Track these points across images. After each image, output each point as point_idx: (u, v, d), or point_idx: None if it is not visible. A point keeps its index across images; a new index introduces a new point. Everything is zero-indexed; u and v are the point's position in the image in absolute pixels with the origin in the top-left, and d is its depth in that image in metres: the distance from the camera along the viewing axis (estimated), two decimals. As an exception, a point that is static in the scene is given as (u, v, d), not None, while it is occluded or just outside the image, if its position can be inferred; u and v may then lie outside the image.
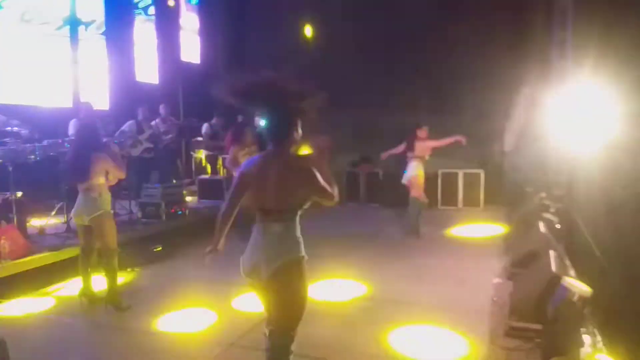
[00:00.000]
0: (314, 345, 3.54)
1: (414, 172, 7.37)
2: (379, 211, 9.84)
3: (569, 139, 7.52)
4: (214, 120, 9.64)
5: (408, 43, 10.53)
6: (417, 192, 7.42)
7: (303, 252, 2.59)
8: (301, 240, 2.61)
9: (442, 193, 10.02)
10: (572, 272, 4.87)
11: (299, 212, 2.60)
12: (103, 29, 9.66)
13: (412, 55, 10.50)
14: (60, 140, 6.18)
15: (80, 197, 4.45)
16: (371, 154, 10.89)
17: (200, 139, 9.84)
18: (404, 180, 7.45)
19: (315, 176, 2.53)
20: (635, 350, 3.52)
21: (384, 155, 7.71)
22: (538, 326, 3.51)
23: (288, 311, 2.56)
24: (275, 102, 2.55)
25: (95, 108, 7.29)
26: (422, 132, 7.41)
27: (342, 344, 3.80)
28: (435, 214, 9.19)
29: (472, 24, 9.84)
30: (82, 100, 8.17)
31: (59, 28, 8.82)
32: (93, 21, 9.56)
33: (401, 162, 7.68)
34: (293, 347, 2.59)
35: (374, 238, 7.62)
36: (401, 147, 7.52)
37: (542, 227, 5.80)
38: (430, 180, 7.96)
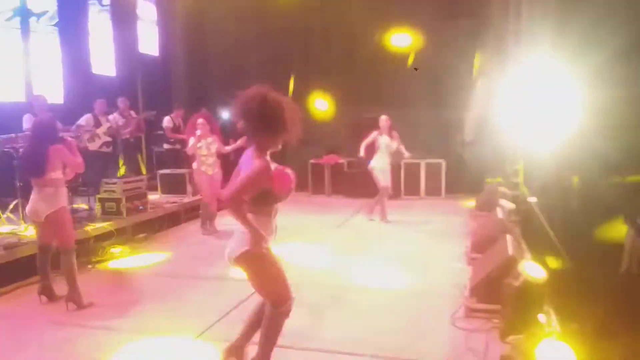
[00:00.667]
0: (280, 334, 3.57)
1: (384, 164, 7.54)
2: (345, 202, 9.95)
3: (525, 128, 7.79)
4: (174, 113, 9.48)
5: (367, 35, 10.61)
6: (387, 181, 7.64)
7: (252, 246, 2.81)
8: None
9: (405, 183, 10.20)
10: (528, 254, 5.07)
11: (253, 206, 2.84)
12: (56, 20, 9.33)
13: (372, 48, 10.59)
14: (14, 135, 5.96)
15: (35, 193, 4.31)
16: (335, 146, 10.98)
17: (161, 132, 9.67)
18: (373, 169, 7.62)
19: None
20: (588, 328, 3.71)
21: (362, 151, 7.75)
22: (496, 307, 3.64)
23: (261, 291, 2.98)
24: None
25: (49, 101, 7.09)
26: (385, 122, 7.54)
27: (308, 331, 3.84)
28: (399, 203, 9.35)
29: (431, 16, 10.00)
30: (36, 93, 7.90)
31: (9, 19, 8.46)
32: (45, 12, 9.20)
33: (367, 153, 7.82)
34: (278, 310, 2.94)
35: (339, 228, 7.70)
36: (370, 137, 7.66)
37: (499, 213, 6.00)
38: (393, 170, 8.11)
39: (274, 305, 2.93)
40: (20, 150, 5.67)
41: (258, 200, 2.81)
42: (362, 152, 7.71)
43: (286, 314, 2.97)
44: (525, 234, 6.26)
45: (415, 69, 10.11)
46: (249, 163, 2.83)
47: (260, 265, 2.86)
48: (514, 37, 7.76)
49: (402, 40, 9.72)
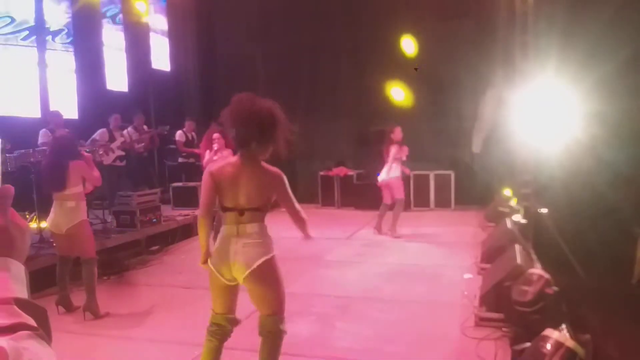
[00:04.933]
0: (289, 342, 3.63)
1: (393, 174, 7.57)
2: (354, 213, 10.01)
3: (534, 138, 7.82)
4: (185, 127, 9.64)
5: (378, 48, 10.74)
6: (399, 193, 7.66)
7: (273, 250, 2.80)
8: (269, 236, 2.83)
9: (414, 194, 10.23)
10: (537, 264, 5.09)
11: (266, 213, 2.84)
12: (71, 38, 9.58)
13: (383, 61, 10.70)
14: (31, 150, 6.12)
15: (56, 207, 4.45)
16: (345, 159, 11.07)
17: (173, 146, 9.83)
18: (380, 181, 7.64)
19: (285, 182, 2.82)
20: (598, 338, 3.72)
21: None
22: (505, 315, 3.68)
23: (269, 302, 2.84)
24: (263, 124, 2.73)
25: (64, 117, 7.27)
26: (394, 134, 7.59)
27: (318, 340, 3.90)
28: (409, 215, 9.38)
29: (438, 28, 10.11)
30: (51, 109, 8.10)
31: (26, 38, 8.71)
32: (61, 30, 9.46)
33: (375, 165, 7.90)
34: (284, 327, 2.88)
35: (349, 239, 7.76)
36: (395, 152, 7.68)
37: (509, 223, 6.04)
38: (402, 182, 8.18)
39: (280, 312, 2.85)
40: (37, 164, 5.82)
41: (267, 208, 2.83)
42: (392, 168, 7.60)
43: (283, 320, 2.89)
44: (536, 245, 6.28)
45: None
46: (262, 173, 2.77)
47: (278, 271, 2.83)
48: (521, 49, 7.83)
49: (409, 49, 9.85)
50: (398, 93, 9.97)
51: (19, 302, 0.65)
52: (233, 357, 3.57)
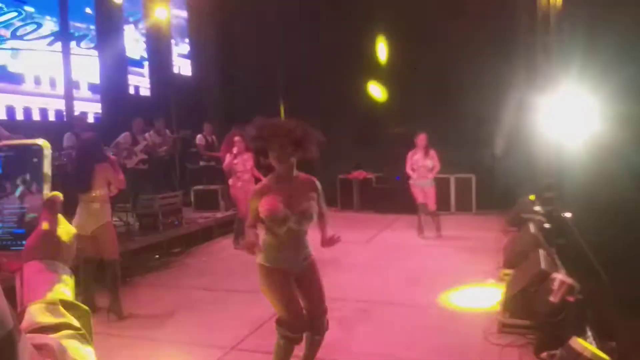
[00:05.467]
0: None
1: (419, 181, 7.61)
2: (373, 217, 9.97)
3: (557, 141, 7.70)
4: (204, 131, 9.71)
5: (399, 51, 10.70)
6: (416, 198, 7.67)
7: (261, 260, 3.01)
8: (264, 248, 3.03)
9: (434, 198, 10.14)
10: (562, 270, 5.00)
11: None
12: (95, 43, 9.76)
13: (404, 63, 10.65)
14: (57, 154, 6.24)
15: (81, 209, 4.53)
16: (364, 162, 11.04)
17: (194, 150, 9.92)
18: (410, 186, 7.64)
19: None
20: (624, 344, 3.64)
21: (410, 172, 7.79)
22: (529, 322, 3.62)
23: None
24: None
25: (88, 120, 7.41)
26: (419, 140, 7.57)
27: (338, 344, 3.88)
28: (429, 218, 9.29)
29: (460, 32, 10.03)
30: (76, 113, 8.24)
31: (51, 43, 8.89)
32: (85, 36, 9.65)
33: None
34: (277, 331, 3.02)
35: (369, 243, 7.73)
36: (408, 158, 7.69)
37: (532, 228, 5.95)
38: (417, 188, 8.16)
39: (278, 315, 3.05)
40: (63, 168, 5.93)
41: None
42: (411, 174, 7.69)
43: (284, 337, 3.01)
44: (560, 250, 6.17)
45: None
46: None
47: (261, 277, 3.01)
48: (543, 50, 7.72)
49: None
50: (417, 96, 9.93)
51: (65, 303, 0.68)
52: (254, 358, 3.60)
